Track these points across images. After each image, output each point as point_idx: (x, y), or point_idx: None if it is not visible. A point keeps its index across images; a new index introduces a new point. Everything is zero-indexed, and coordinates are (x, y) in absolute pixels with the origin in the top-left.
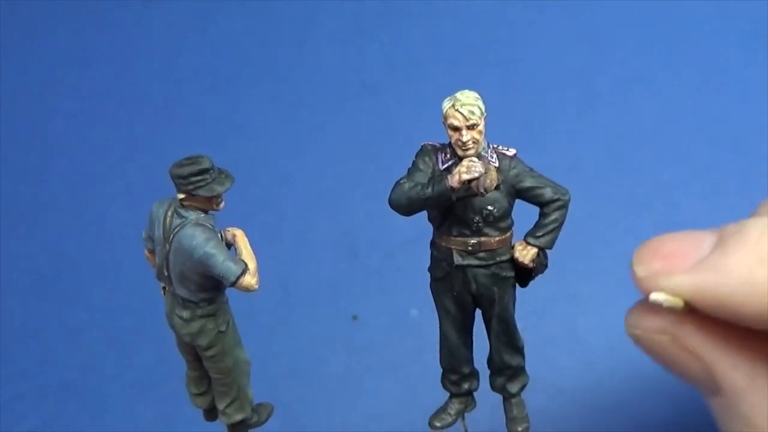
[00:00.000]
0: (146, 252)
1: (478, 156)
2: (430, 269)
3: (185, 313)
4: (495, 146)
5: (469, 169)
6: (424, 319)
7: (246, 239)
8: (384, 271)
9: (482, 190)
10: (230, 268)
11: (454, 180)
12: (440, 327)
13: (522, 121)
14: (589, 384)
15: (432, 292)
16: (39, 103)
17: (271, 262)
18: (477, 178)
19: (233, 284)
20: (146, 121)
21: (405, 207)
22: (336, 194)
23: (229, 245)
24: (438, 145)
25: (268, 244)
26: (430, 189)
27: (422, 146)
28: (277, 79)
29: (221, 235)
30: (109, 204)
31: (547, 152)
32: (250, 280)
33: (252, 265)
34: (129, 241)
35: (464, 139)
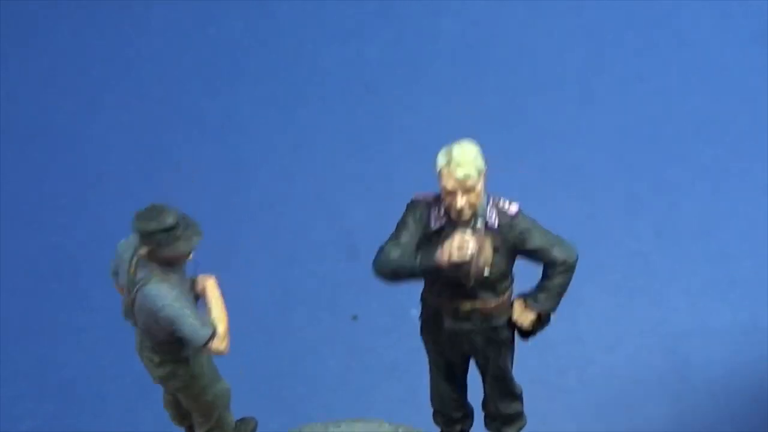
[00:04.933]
0: (115, 286)
1: (473, 226)
2: (420, 317)
3: (155, 357)
4: (496, 200)
5: (460, 249)
6: None
7: (217, 291)
8: None
9: (473, 272)
10: (197, 333)
11: (443, 258)
12: (430, 371)
13: (522, 121)
14: (589, 383)
15: (421, 338)
16: (39, 103)
17: (271, 262)
18: (468, 261)
19: (200, 348)
20: (146, 121)
21: (390, 276)
22: (336, 194)
23: (198, 296)
24: (431, 198)
25: (268, 244)
26: (417, 261)
27: (413, 200)
28: (277, 79)
29: (191, 285)
30: (109, 204)
31: (547, 152)
32: (218, 345)
33: (221, 327)
34: None
35: (458, 205)
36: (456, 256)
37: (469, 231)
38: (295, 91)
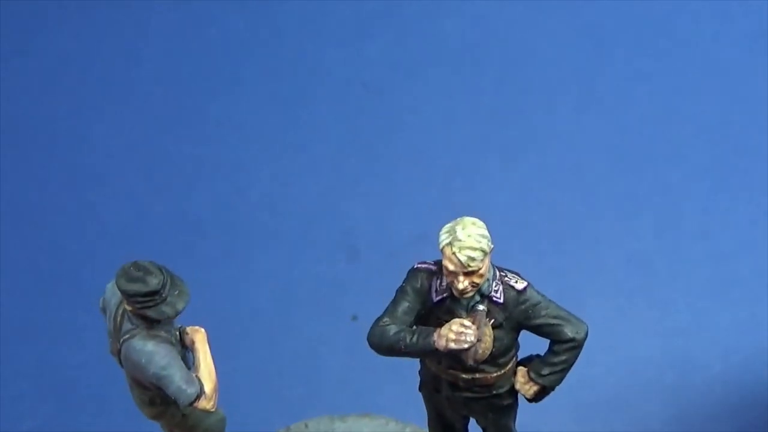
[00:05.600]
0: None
1: (475, 307)
2: (420, 373)
3: (145, 397)
4: (503, 275)
5: (458, 338)
6: None
7: (206, 346)
8: (384, 271)
9: (471, 362)
10: (184, 393)
11: (440, 343)
12: (428, 423)
13: (522, 120)
14: (589, 383)
15: (420, 393)
16: (39, 103)
17: (271, 262)
18: (467, 349)
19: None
20: (146, 121)
21: (384, 351)
22: (336, 194)
23: (187, 348)
24: (434, 267)
25: (268, 245)
26: (414, 340)
27: (415, 268)
28: (277, 79)
29: (179, 335)
30: (109, 204)
31: (547, 152)
32: (205, 404)
33: (209, 386)
34: (129, 240)
35: (460, 287)
36: (453, 345)
37: (468, 319)
38: (295, 91)
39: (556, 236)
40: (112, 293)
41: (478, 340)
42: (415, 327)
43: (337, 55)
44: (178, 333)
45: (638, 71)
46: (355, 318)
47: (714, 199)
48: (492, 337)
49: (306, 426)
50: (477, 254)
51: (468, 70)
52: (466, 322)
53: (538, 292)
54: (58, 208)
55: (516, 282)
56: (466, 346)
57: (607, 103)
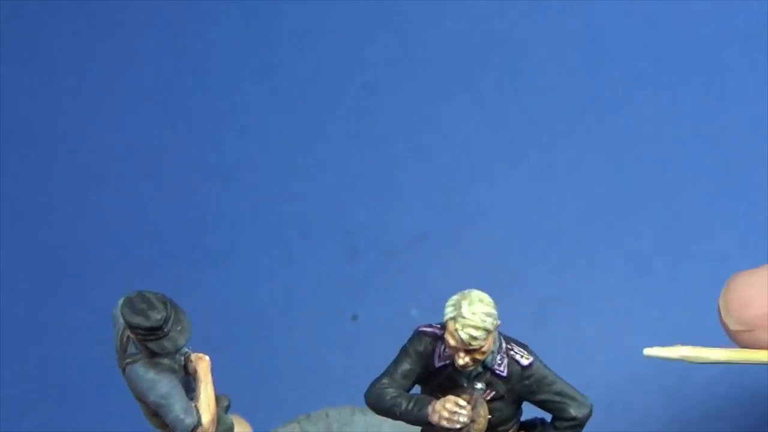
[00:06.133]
0: None
1: (474, 385)
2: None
3: (150, 409)
4: (510, 347)
5: (450, 418)
6: (425, 319)
7: (209, 376)
8: (384, 271)
9: None
10: (182, 423)
11: (433, 418)
12: None
13: (523, 120)
14: (589, 383)
15: None
16: (39, 103)
17: (271, 262)
18: (459, 429)
19: None
20: (146, 121)
21: (381, 413)
22: (336, 194)
23: (190, 375)
24: (439, 332)
25: (268, 244)
26: (410, 408)
27: (420, 333)
28: (277, 79)
29: (183, 361)
30: (109, 204)
31: (547, 152)
32: None
33: (207, 418)
34: (129, 241)
35: (460, 362)
36: (445, 424)
37: (464, 398)
38: (295, 91)
39: (556, 236)
40: (119, 316)
41: (472, 421)
42: (413, 394)
43: (337, 55)
44: (182, 359)
45: (638, 71)
46: (355, 318)
47: (714, 199)
48: (486, 418)
49: (327, 415)
50: (479, 333)
51: (468, 70)
52: (461, 402)
53: (545, 366)
54: (58, 208)
55: (522, 357)
56: (457, 426)
57: (607, 103)
